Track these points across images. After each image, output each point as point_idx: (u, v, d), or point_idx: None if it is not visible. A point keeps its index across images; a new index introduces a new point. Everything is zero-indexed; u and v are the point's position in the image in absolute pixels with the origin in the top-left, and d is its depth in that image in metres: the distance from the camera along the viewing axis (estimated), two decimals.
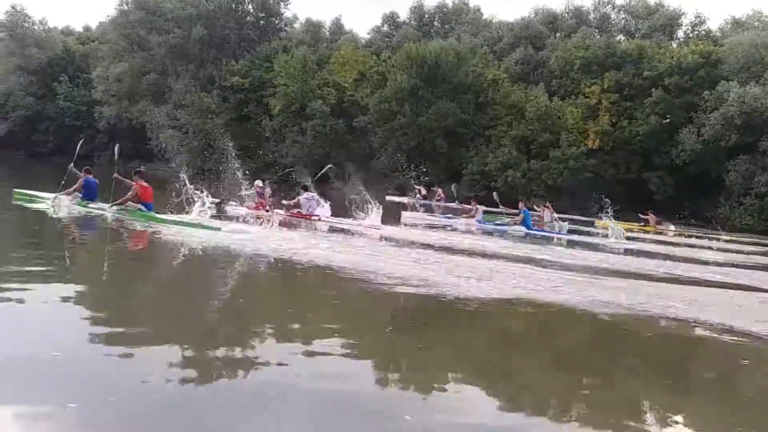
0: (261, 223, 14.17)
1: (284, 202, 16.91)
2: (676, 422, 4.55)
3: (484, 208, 22.25)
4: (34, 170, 36.94)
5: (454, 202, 30.30)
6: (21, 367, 4.12)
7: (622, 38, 45.72)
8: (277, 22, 52.49)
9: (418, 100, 39.09)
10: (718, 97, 33.89)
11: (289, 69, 43.55)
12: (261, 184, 17.27)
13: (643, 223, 27.73)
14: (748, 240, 24.71)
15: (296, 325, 6.10)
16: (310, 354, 5.00)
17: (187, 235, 10.95)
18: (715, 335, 6.89)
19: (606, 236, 19.38)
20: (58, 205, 12.70)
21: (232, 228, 11.83)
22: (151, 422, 3.58)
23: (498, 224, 19.74)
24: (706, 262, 14.79)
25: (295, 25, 56.94)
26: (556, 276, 9.74)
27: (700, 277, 11.70)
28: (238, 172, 17.25)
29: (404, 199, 30.08)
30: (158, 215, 12.14)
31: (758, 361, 6.41)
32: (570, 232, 20.30)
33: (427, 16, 53.53)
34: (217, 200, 16.21)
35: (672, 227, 26.83)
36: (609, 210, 20.56)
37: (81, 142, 16.23)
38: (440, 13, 53.39)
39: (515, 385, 5.10)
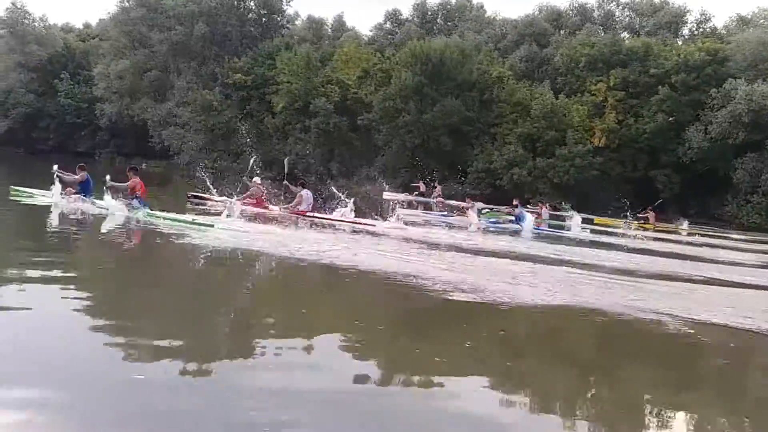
0: (256, 219, 14.17)
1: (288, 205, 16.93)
2: None
3: (480, 205, 22.25)
4: (34, 167, 36.76)
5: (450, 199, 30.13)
6: (22, 367, 4.10)
7: (627, 35, 45.49)
8: (279, 19, 52.16)
9: (423, 97, 38.78)
10: (726, 95, 33.69)
11: (292, 66, 43.26)
12: (259, 181, 17.22)
13: (642, 221, 27.69)
14: (761, 239, 24.44)
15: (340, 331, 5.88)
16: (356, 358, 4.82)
17: (180, 232, 10.98)
18: None
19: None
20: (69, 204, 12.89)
21: (227, 225, 11.89)
22: (152, 423, 3.57)
23: (492, 222, 19.83)
24: (741, 264, 14.47)
25: (296, 23, 56.62)
26: (599, 279, 9.52)
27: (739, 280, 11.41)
28: (256, 171, 17.09)
29: (401, 196, 30.01)
30: (152, 212, 12.32)
31: None
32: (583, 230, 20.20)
33: (430, 13, 53.21)
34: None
35: (685, 224, 26.71)
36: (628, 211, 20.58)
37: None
38: (443, 10, 53.06)
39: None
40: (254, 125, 45.69)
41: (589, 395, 5.03)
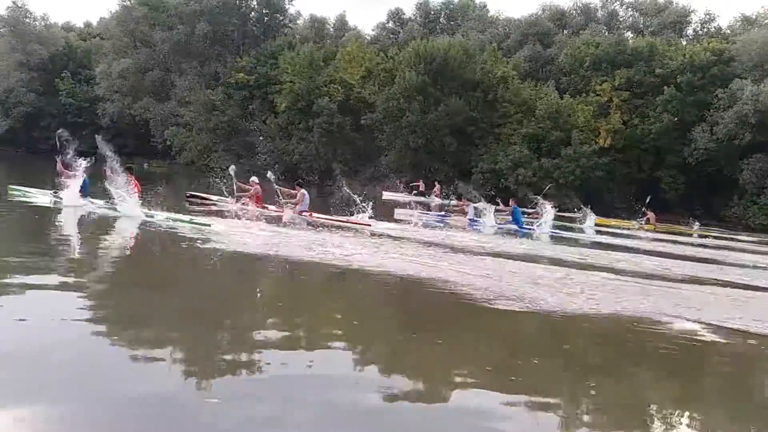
0: (253, 218, 14.14)
1: (289, 200, 16.97)
2: None
3: (475, 205, 22.20)
4: (35, 167, 36.56)
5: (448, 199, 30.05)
6: (24, 368, 4.07)
7: (631, 35, 45.34)
8: (281, 18, 51.92)
9: (426, 97, 38.60)
10: (732, 95, 33.53)
11: (295, 66, 43.06)
12: (257, 181, 17.23)
13: (643, 221, 27.59)
14: None
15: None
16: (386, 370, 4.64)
17: (177, 230, 11.05)
18: None
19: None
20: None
21: (225, 225, 11.95)
22: (154, 425, 3.56)
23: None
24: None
25: (298, 22, 56.37)
26: (636, 284, 9.32)
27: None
28: (270, 174, 16.96)
29: (400, 196, 29.95)
30: (149, 212, 12.39)
31: None
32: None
33: (432, 12, 53.00)
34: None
35: (696, 226, 26.58)
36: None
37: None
38: (446, 9, 52.86)
39: None
40: (257, 125, 45.55)
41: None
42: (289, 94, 42.54)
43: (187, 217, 12.08)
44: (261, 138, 38.60)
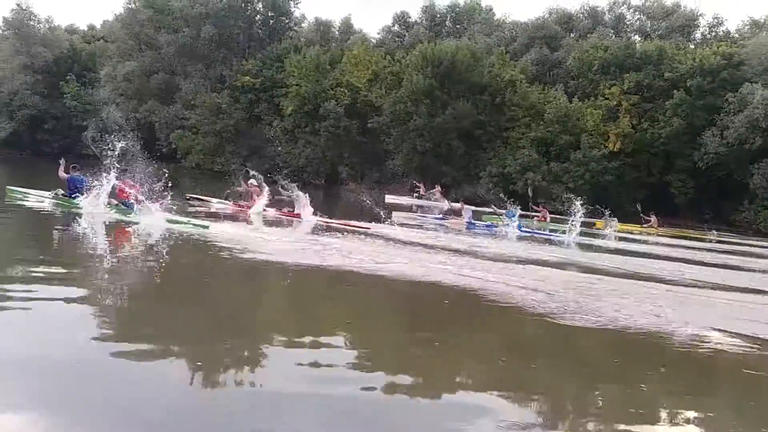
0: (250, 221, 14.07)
1: (283, 189, 17.11)
2: None
3: (473, 207, 22.07)
4: (39, 169, 36.35)
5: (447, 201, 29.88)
6: (28, 371, 4.04)
7: (638, 39, 45.16)
8: (286, 21, 51.81)
9: (434, 100, 38.45)
10: (742, 100, 33.33)
11: (301, 69, 42.94)
12: (255, 183, 17.19)
13: (645, 225, 27.37)
14: None
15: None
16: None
17: (176, 232, 11.01)
18: None
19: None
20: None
21: (223, 227, 11.89)
22: (157, 427, 3.53)
23: (488, 225, 19.92)
24: None
25: (303, 25, 56.23)
26: (696, 296, 8.95)
27: None
28: (281, 180, 16.78)
29: (403, 199, 29.81)
30: (127, 209, 12.41)
31: None
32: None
33: (438, 16, 52.86)
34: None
35: (714, 233, 26.33)
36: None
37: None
38: (452, 13, 52.72)
39: None
40: (263, 128, 45.44)
41: None
42: (295, 97, 42.41)
43: (185, 219, 12.09)
44: (277, 144, 38.53)
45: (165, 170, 13.51)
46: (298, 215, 16.13)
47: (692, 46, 41.89)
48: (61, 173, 13.24)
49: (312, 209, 16.31)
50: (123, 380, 4.08)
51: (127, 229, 11.46)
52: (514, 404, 4.56)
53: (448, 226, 19.35)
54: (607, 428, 4.28)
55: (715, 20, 44.95)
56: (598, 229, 24.48)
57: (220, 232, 11.55)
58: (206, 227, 11.62)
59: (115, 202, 12.80)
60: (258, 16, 50.89)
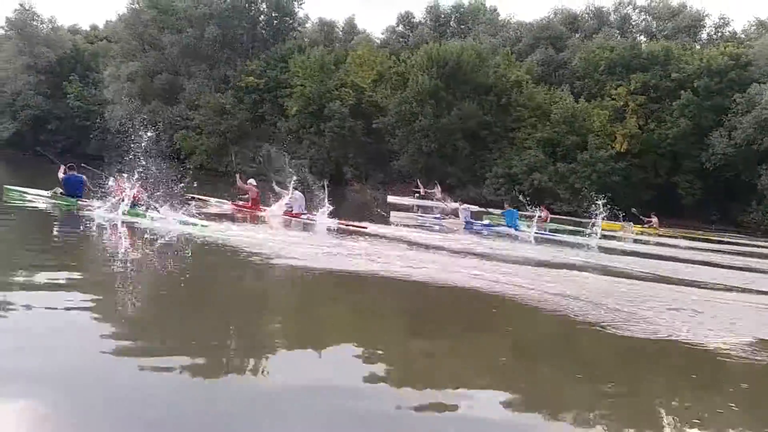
0: (251, 221, 13.99)
1: (278, 188, 17.16)
2: None
3: (471, 208, 21.99)
4: (41, 170, 36.13)
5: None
6: (28, 370, 4.00)
7: (644, 39, 45.00)
8: (290, 21, 51.66)
9: (439, 101, 38.30)
10: (750, 100, 33.18)
11: (306, 69, 42.78)
12: (254, 183, 17.17)
13: (646, 225, 27.34)
14: None
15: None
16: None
17: (174, 232, 10.92)
18: None
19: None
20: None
21: (221, 226, 11.78)
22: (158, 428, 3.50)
23: (485, 225, 19.73)
24: None
25: (306, 25, 56.08)
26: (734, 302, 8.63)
27: None
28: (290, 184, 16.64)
29: (405, 199, 29.70)
30: (141, 211, 12.25)
31: None
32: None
33: (443, 16, 52.68)
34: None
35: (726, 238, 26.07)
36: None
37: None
38: (456, 13, 52.56)
39: None
40: (267, 129, 45.28)
41: None
42: (300, 97, 42.25)
43: (182, 218, 11.95)
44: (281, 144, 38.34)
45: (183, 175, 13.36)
46: (297, 215, 16.06)
47: (698, 47, 41.73)
48: (60, 174, 13.13)
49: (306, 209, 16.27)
50: (124, 381, 4.05)
51: (133, 231, 11.25)
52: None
53: (446, 226, 19.18)
54: None
55: (721, 21, 44.86)
56: (605, 230, 24.32)
57: (242, 234, 11.35)
58: (206, 226, 11.58)
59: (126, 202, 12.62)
60: (262, 16, 50.74)
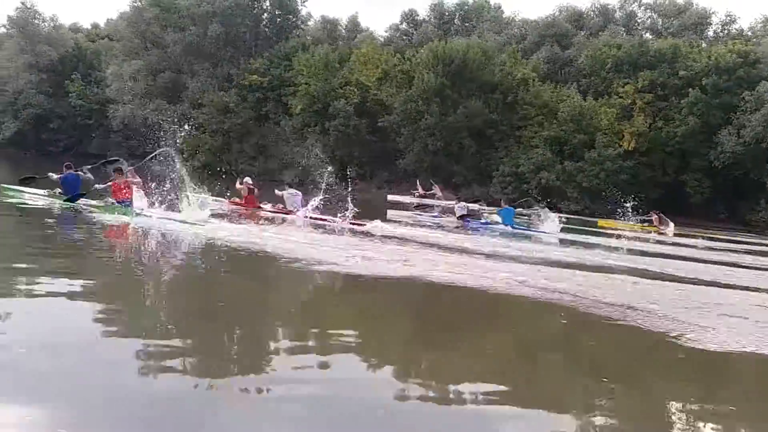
0: (246, 219, 13.87)
1: (276, 191, 17.30)
2: None
3: (467, 204, 21.88)
4: (44, 169, 35.90)
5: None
6: (29, 370, 3.95)
7: (650, 37, 44.76)
8: (293, 19, 51.39)
9: (445, 99, 38.03)
10: (759, 98, 32.94)
11: (310, 67, 42.49)
12: (250, 181, 17.14)
13: (647, 224, 27.14)
14: None
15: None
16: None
17: (169, 230, 10.83)
18: None
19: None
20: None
21: (216, 225, 11.68)
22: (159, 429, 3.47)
23: (482, 223, 19.65)
24: None
25: (309, 23, 55.80)
26: None
27: None
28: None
29: (405, 198, 29.53)
30: (137, 209, 12.13)
31: None
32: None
33: (447, 14, 52.42)
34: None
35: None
36: None
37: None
38: (460, 11, 52.29)
39: None
40: (271, 127, 45.03)
41: None
42: (304, 96, 41.97)
43: (179, 217, 11.83)
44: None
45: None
46: (291, 212, 16.06)
47: (704, 45, 41.49)
48: (55, 175, 12.92)
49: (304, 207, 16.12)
50: (125, 380, 3.99)
51: (133, 230, 11.04)
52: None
53: (443, 224, 19.00)
54: None
55: (728, 18, 44.63)
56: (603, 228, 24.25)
57: (217, 229, 11.22)
58: (203, 225, 11.48)
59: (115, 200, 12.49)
60: (265, 14, 50.48)
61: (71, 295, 5.93)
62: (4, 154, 51.02)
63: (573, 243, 16.15)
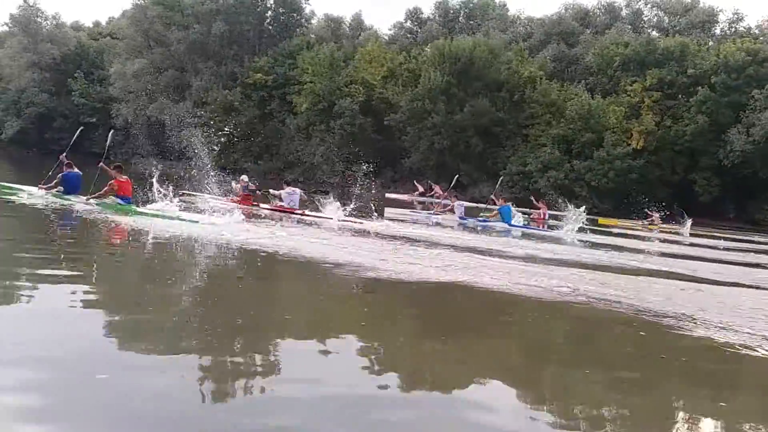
0: (244, 216, 13.53)
1: (272, 192, 17.43)
2: None
3: (466, 203, 21.80)
4: (46, 168, 35.68)
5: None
6: (29, 370, 3.90)
7: (656, 35, 44.50)
8: (297, 17, 51.17)
9: (451, 98, 37.80)
10: None
11: (315, 66, 42.26)
12: (246, 179, 17.27)
13: (647, 222, 27.08)
14: None
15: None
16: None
17: (165, 228, 10.80)
18: None
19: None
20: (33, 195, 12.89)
21: (211, 221, 11.55)
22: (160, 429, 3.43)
23: (480, 221, 19.49)
24: None
25: (313, 21, 55.58)
26: None
27: None
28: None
29: (404, 197, 29.41)
30: (136, 208, 12.13)
31: None
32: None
33: (452, 12, 52.17)
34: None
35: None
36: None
37: (111, 133, 16.77)
38: (465, 9, 52.03)
39: None
40: (275, 126, 44.80)
41: None
42: (309, 94, 41.76)
43: (175, 214, 11.80)
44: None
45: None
46: (291, 210, 16.07)
47: (712, 43, 41.23)
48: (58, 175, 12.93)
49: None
50: (126, 380, 3.93)
51: (132, 229, 10.85)
52: None
53: (441, 222, 18.87)
54: None
55: (735, 16, 44.28)
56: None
57: (212, 226, 11.13)
58: (195, 222, 11.41)
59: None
60: (269, 12, 50.28)
61: (80, 297, 5.78)
62: (7, 153, 50.85)
63: (594, 244, 15.87)
